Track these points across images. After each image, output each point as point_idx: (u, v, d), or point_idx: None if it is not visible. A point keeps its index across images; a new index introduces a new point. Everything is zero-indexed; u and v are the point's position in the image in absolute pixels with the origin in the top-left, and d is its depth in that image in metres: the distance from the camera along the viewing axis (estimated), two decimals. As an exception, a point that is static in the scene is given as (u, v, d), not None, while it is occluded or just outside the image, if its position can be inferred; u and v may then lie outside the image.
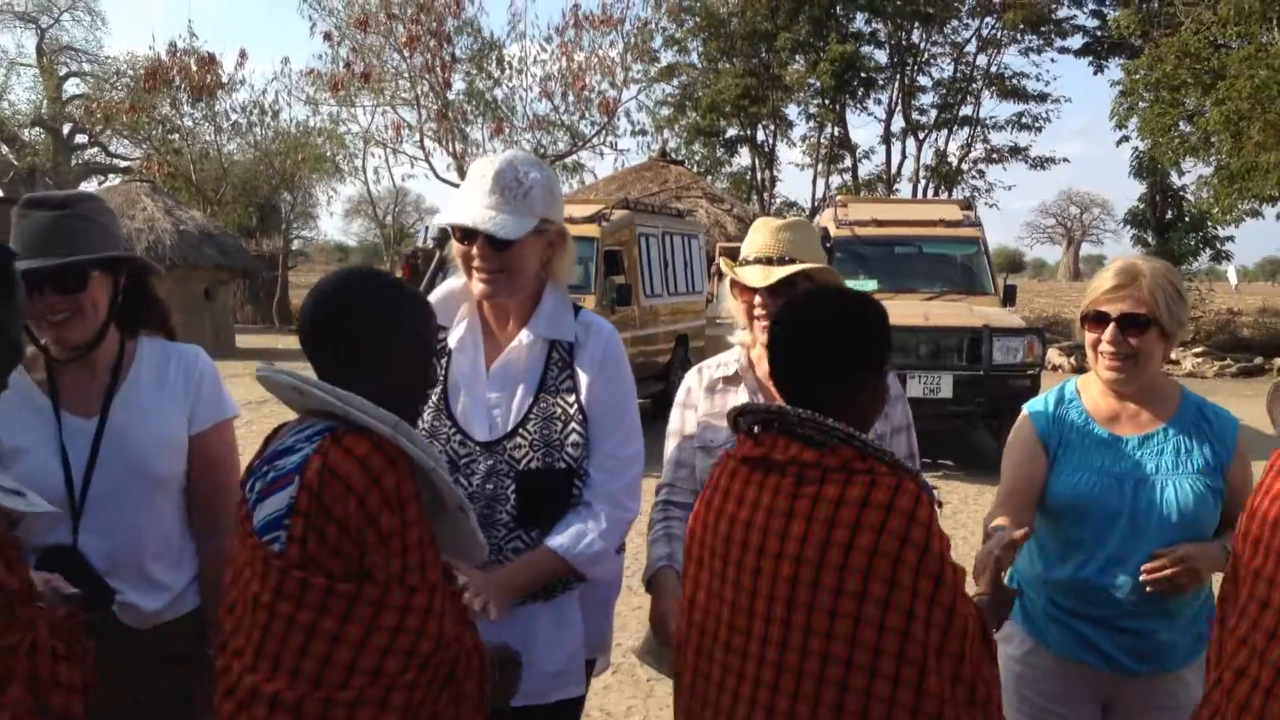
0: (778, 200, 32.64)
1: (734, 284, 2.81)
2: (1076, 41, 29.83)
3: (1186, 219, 26.48)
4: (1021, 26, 28.98)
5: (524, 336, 2.52)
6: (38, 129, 43.20)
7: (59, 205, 2.36)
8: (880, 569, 1.85)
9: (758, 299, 2.72)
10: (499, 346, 2.56)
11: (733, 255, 2.95)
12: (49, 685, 1.72)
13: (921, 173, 31.03)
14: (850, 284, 11.50)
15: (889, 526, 1.86)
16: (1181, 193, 26.56)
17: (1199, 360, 23.15)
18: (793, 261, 2.71)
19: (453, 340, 2.58)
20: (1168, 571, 2.54)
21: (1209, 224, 25.08)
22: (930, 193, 29.88)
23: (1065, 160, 49.87)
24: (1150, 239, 27.49)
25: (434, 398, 2.53)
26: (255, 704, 1.80)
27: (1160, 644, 2.66)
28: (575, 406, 2.50)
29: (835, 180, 31.94)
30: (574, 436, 2.48)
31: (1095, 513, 2.65)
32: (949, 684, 1.86)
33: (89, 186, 34.76)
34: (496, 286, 2.48)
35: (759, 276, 2.70)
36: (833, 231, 12.44)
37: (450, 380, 2.55)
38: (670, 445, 2.87)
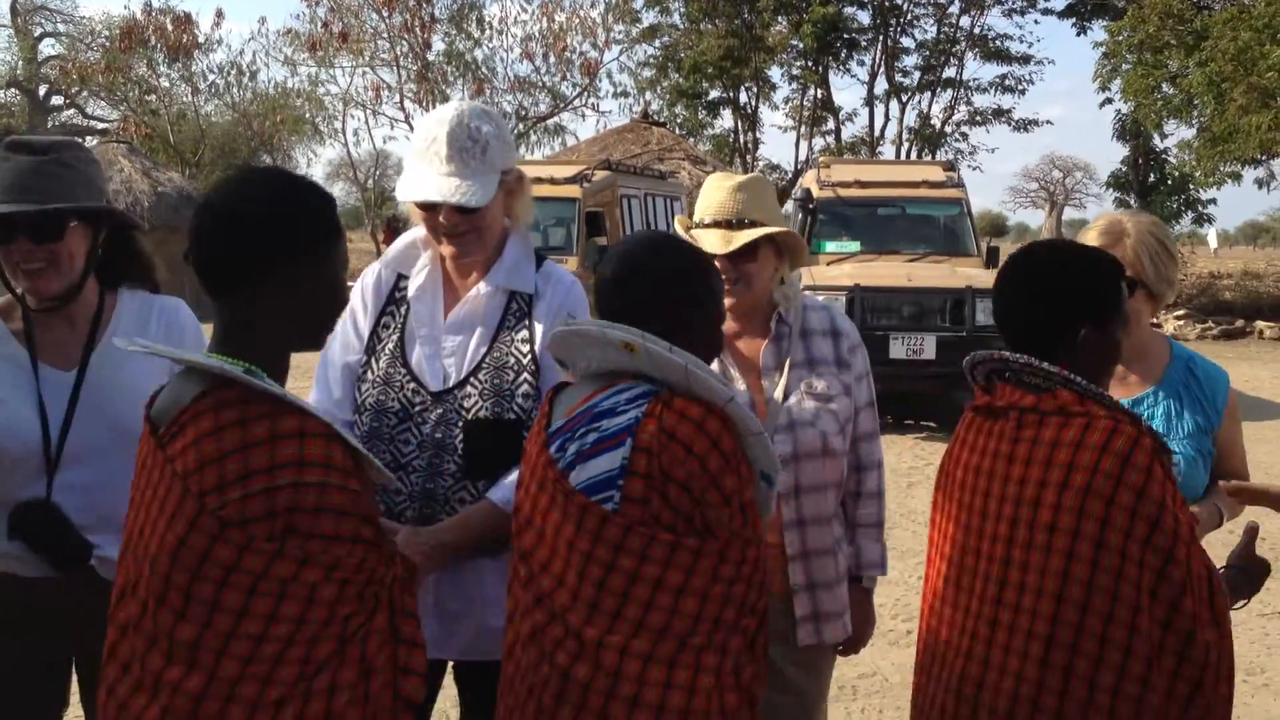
0: (760, 163, 32.48)
1: None
2: (1060, 3, 29.66)
3: (1169, 182, 26.56)
4: (1005, -13, 28.86)
5: (482, 287, 2.49)
6: (12, 90, 42.64)
7: (42, 151, 2.29)
8: (1093, 509, 1.91)
9: (718, 264, 2.62)
10: (458, 297, 2.53)
11: None
12: (402, 615, 1.83)
13: (905, 135, 30.92)
14: (833, 245, 11.47)
15: (1102, 468, 1.90)
16: (1164, 155, 26.62)
17: (1181, 322, 23.25)
18: (753, 224, 2.64)
19: (412, 289, 2.55)
20: None
21: (1191, 187, 25.15)
22: (913, 155, 29.78)
23: (1049, 123, 49.91)
24: (1132, 202, 27.54)
25: (390, 345, 2.50)
26: (601, 654, 1.86)
27: None
28: (529, 356, 2.46)
29: (818, 143, 31.79)
30: (525, 387, 2.43)
31: None
32: (1159, 629, 1.91)
33: (65, 149, 34.24)
34: (468, 247, 2.45)
35: (719, 242, 2.61)
36: (815, 193, 12.40)
37: (407, 329, 2.52)
38: None
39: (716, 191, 2.71)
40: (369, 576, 1.75)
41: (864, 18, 30.92)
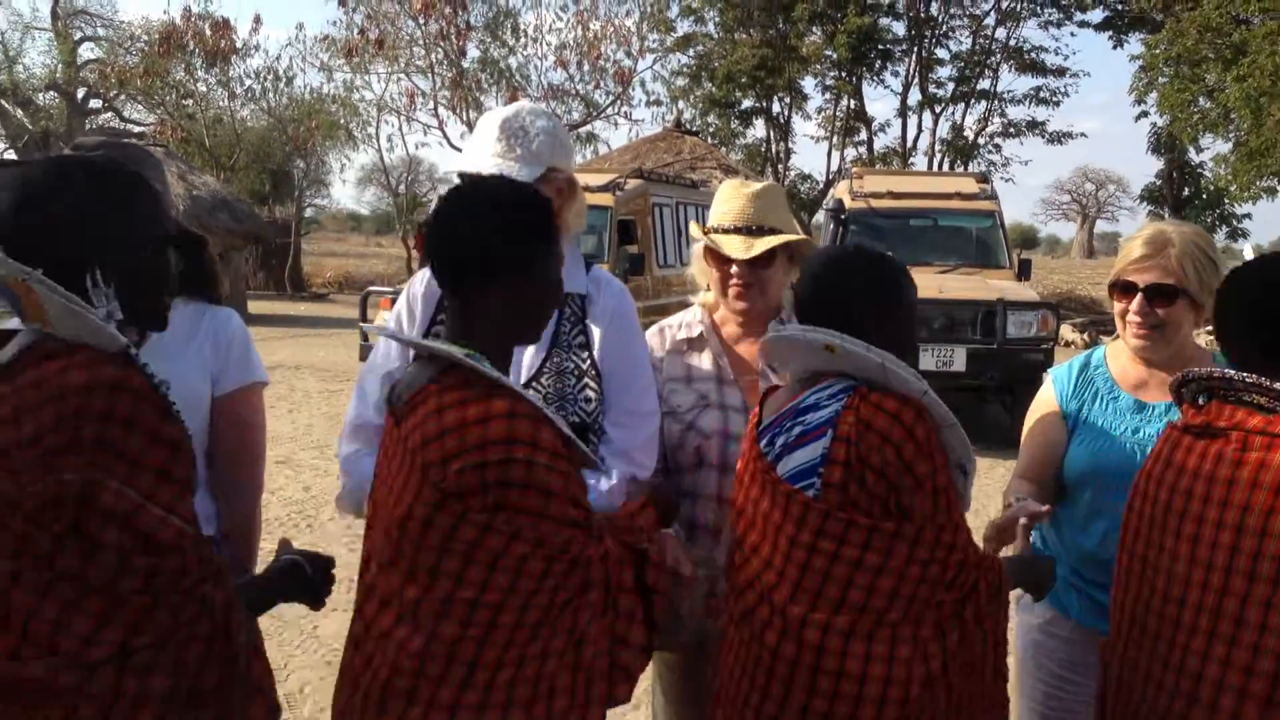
0: (792, 172, 32.47)
1: (708, 251, 2.76)
2: (1097, 15, 29.51)
3: (1203, 196, 26.35)
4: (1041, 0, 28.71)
5: None
6: (52, 93, 43.18)
7: (92, 148, 2.36)
8: None
9: (734, 269, 2.68)
10: None
11: None
12: (617, 590, 1.96)
13: (937, 146, 30.82)
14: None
15: None
16: (1199, 169, 26.40)
17: (1210, 337, 23.05)
18: (772, 231, 2.68)
19: None
20: None
21: (1226, 201, 24.93)
22: (946, 166, 29.67)
23: (1082, 135, 49.29)
24: (1166, 216, 27.34)
25: None
26: (805, 631, 2.00)
27: None
28: (588, 362, 2.49)
29: (850, 153, 31.72)
30: (588, 392, 2.47)
31: (1117, 480, 2.61)
32: None
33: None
34: None
35: (740, 248, 2.66)
36: (848, 203, 12.39)
37: None
38: None
39: (735, 198, 2.75)
40: (575, 554, 1.87)
41: (899, 29, 30.93)
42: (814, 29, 29.56)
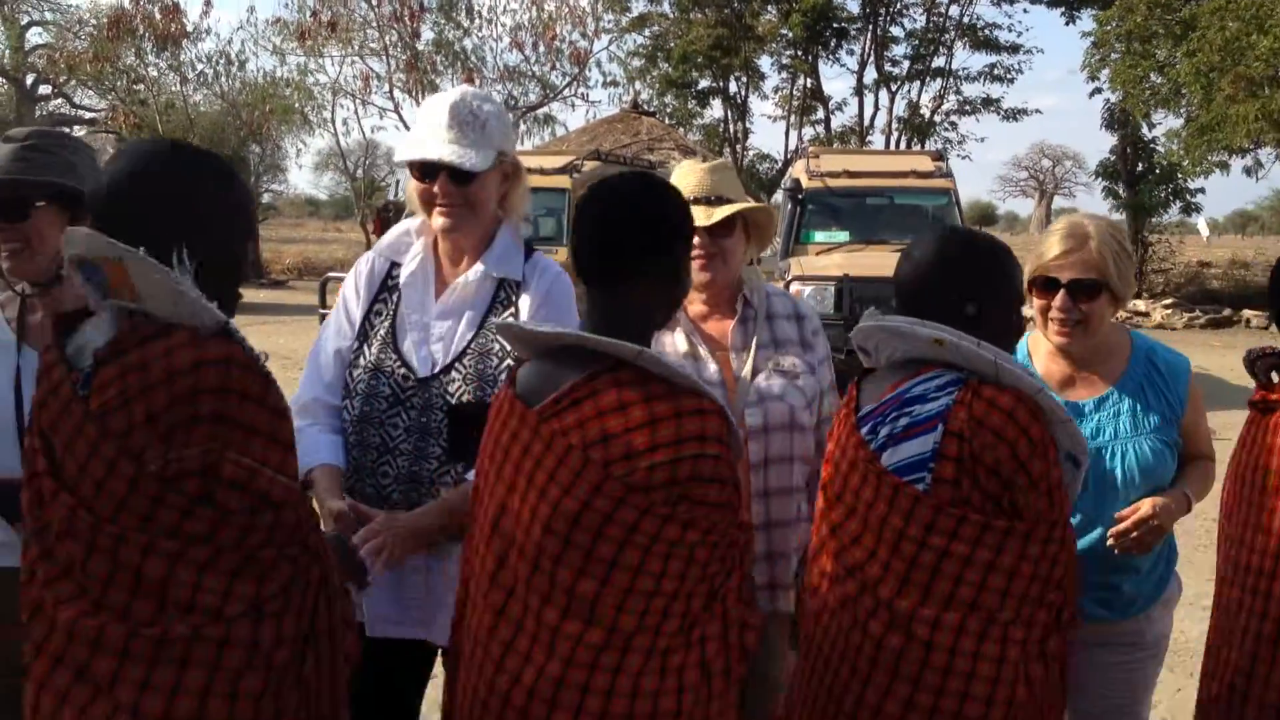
0: (750, 152, 32.49)
1: None
2: (1049, -8, 29.66)
3: (1157, 171, 26.60)
4: (994, -24, 28.84)
5: (472, 273, 2.54)
6: (0, 79, 42.40)
7: (23, 138, 2.36)
8: None
9: (697, 239, 2.72)
10: (449, 284, 2.58)
11: None
12: (746, 575, 2.01)
13: (894, 124, 30.93)
14: (821, 235, 11.50)
15: None
16: (1152, 145, 26.65)
17: (1169, 312, 23.35)
18: (729, 201, 2.75)
19: (404, 276, 2.60)
20: (1135, 534, 2.56)
21: (1179, 176, 25.20)
22: (903, 145, 29.80)
23: (1038, 112, 49.55)
24: (1121, 191, 27.61)
25: (381, 331, 2.55)
26: (913, 625, 2.02)
27: (1125, 595, 2.71)
28: None
29: (808, 132, 31.76)
30: (508, 373, 2.48)
31: None
32: None
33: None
34: (459, 220, 2.50)
35: (701, 217, 2.71)
36: (804, 183, 12.45)
37: (399, 316, 2.57)
38: None
39: (691, 173, 2.83)
40: (731, 539, 1.94)
41: (853, 7, 30.86)
42: (769, 8, 29.53)
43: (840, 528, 2.15)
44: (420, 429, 2.47)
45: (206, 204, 1.86)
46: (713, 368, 2.75)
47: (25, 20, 42.49)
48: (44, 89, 42.30)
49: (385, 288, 2.62)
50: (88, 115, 38.09)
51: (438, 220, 2.51)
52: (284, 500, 1.81)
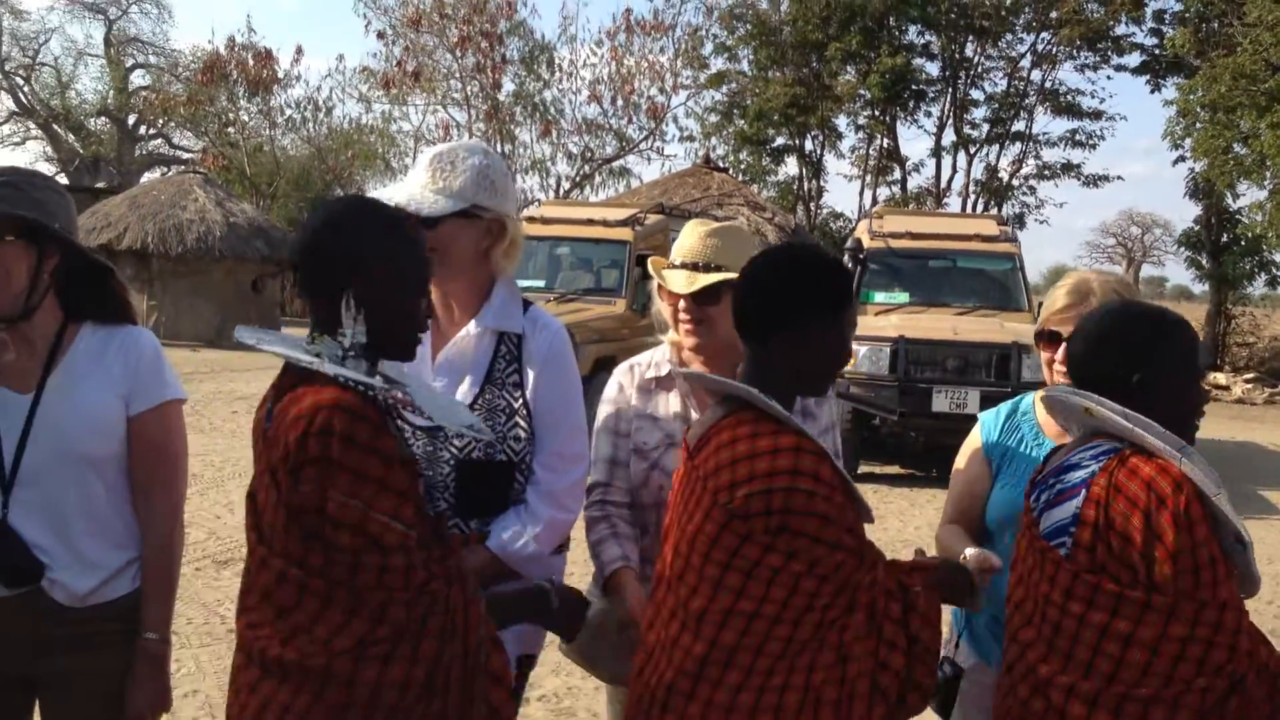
0: (824, 210, 32.45)
1: (660, 286, 2.82)
2: (1134, 59, 29.35)
3: (1242, 243, 26.00)
4: (1078, 43, 28.54)
5: (472, 328, 2.54)
6: (103, 119, 44.08)
7: None
8: None
9: (682, 304, 2.73)
10: (446, 338, 2.58)
11: None
12: (885, 617, 2.07)
13: (971, 187, 30.71)
14: (881, 296, 11.40)
15: None
16: (1237, 216, 26.09)
17: (1249, 386, 22.76)
18: (719, 269, 2.70)
19: None
20: None
21: (1265, 248, 24.62)
22: (980, 208, 29.54)
23: (1119, 178, 48.92)
24: (1205, 262, 27.05)
25: None
26: (1050, 691, 2.05)
27: None
28: (520, 401, 2.51)
29: (884, 192, 31.68)
30: (517, 430, 2.49)
31: None
32: None
33: (151, 177, 35.37)
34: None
35: (683, 282, 2.71)
36: (866, 243, 12.39)
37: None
38: (604, 442, 2.84)
39: (690, 236, 2.80)
40: (846, 577, 2.02)
41: (933, 69, 30.87)
42: (847, 68, 29.61)
43: (1011, 593, 2.23)
44: (425, 483, 2.44)
45: (382, 257, 2.01)
46: None
47: (130, 63, 44.24)
48: (145, 129, 43.87)
49: None
50: (185, 156, 39.35)
51: None
52: (395, 545, 1.88)
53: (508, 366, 2.54)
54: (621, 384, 2.87)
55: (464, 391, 2.51)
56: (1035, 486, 2.22)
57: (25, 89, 44.30)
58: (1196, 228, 27.49)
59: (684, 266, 2.74)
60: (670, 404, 2.80)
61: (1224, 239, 26.75)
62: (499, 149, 27.46)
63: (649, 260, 2.94)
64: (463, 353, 2.54)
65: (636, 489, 2.77)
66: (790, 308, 2.11)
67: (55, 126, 43.61)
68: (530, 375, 2.53)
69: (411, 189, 2.48)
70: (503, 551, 2.44)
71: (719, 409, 2.17)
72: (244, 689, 1.94)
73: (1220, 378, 23.47)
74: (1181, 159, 25.44)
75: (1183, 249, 28.40)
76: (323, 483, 1.84)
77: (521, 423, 2.50)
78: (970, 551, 2.50)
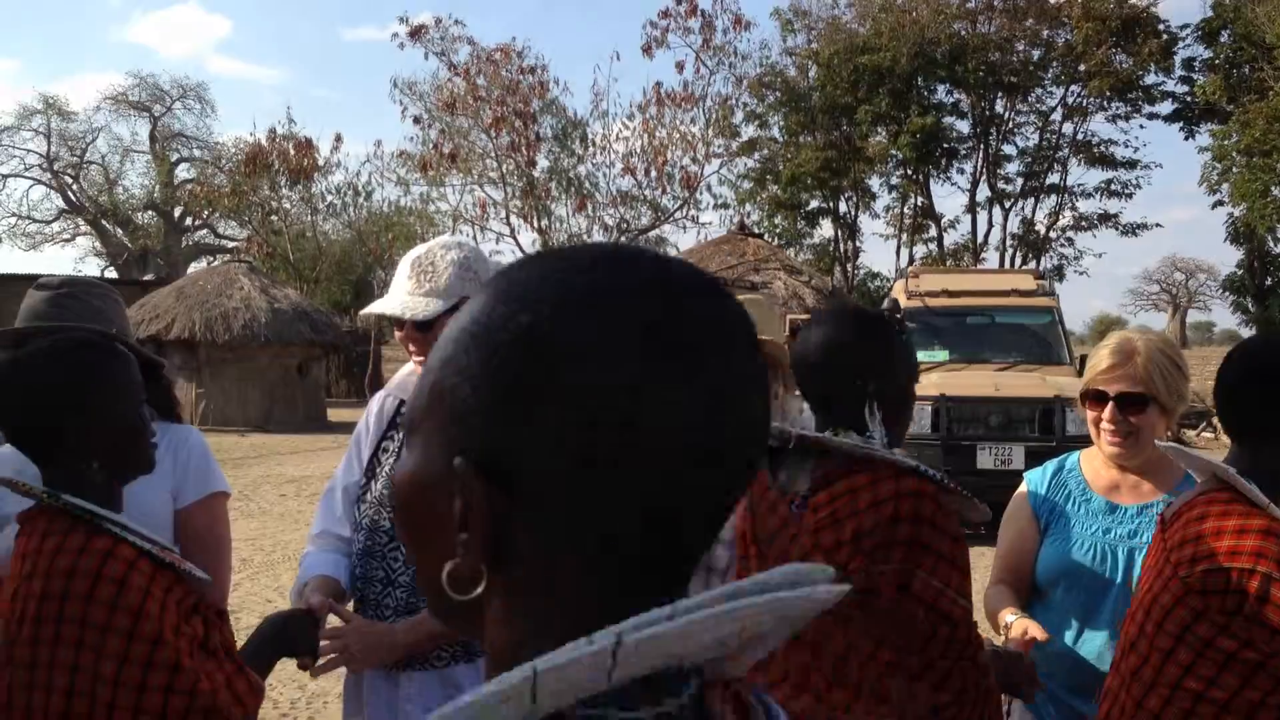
0: (861, 271, 32.54)
1: None
2: (1166, 107, 29.36)
3: (1286, 285, 25.74)
4: (1108, 94, 28.61)
5: None
6: (150, 212, 45.21)
7: (56, 286, 2.52)
8: None
9: None
10: None
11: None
12: None
13: (1008, 241, 30.66)
14: (921, 355, 11.37)
15: None
16: (1280, 258, 25.86)
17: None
18: None
19: None
20: None
21: (1310, 290, 24.35)
22: (1018, 261, 29.46)
23: (1158, 225, 48.45)
24: (1250, 305, 26.76)
25: (388, 468, 2.65)
26: None
27: None
28: None
29: (920, 250, 31.69)
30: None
31: (1088, 580, 2.65)
32: None
33: (198, 267, 36.18)
34: None
35: None
36: (903, 303, 12.37)
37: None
38: None
39: None
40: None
41: (964, 127, 31.02)
42: (878, 129, 29.82)
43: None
44: (367, 526, 2.58)
45: (885, 357, 2.15)
46: None
47: (175, 157, 45.44)
48: (190, 220, 44.91)
49: (394, 425, 2.72)
50: (230, 245, 40.22)
51: (415, 364, 2.67)
52: (960, 619, 2.01)
53: None
54: None
55: None
56: None
57: (74, 187, 45.65)
58: (1239, 272, 27.23)
59: None
60: None
61: (1268, 282, 26.47)
62: (535, 224, 27.82)
63: None
64: None
65: None
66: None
67: (104, 222, 44.80)
68: None
69: (400, 297, 2.55)
70: None
71: (1195, 490, 2.11)
72: None
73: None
74: (1220, 203, 25.29)
75: (1227, 293, 28.12)
76: (910, 563, 1.97)
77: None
78: (1011, 621, 2.53)
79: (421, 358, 2.61)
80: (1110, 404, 2.63)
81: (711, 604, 0.72)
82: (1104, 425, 2.66)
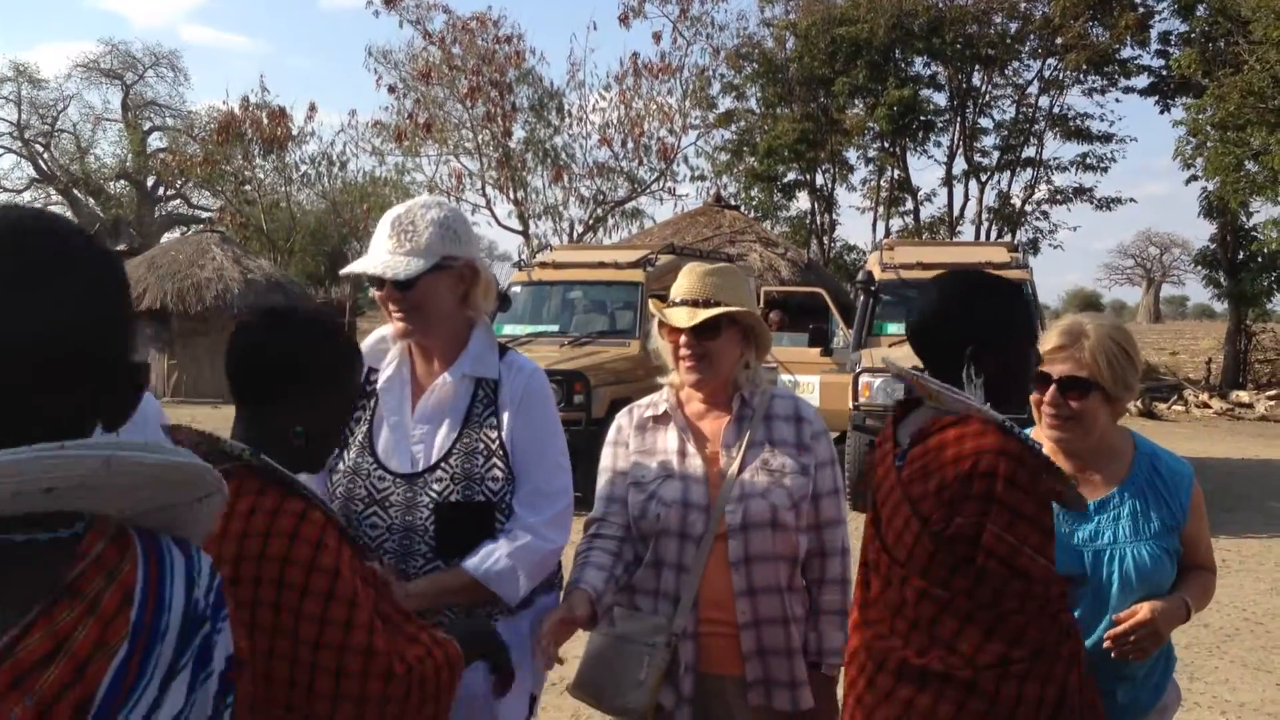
0: (838, 244, 32.55)
1: (661, 325, 2.88)
2: (1142, 81, 29.39)
3: (1259, 259, 25.88)
4: (1084, 67, 28.63)
5: (448, 376, 2.62)
6: (122, 182, 44.73)
7: None
8: None
9: (683, 339, 2.79)
10: (424, 388, 2.65)
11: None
12: None
13: (984, 215, 30.72)
14: (894, 327, 11.40)
15: None
16: (1252, 232, 25.99)
17: (1272, 403, 22.57)
18: (718, 304, 2.79)
19: (381, 381, 2.68)
20: (1132, 638, 2.51)
21: (1281, 264, 24.52)
22: (994, 235, 29.54)
23: (1132, 200, 48.65)
24: (1222, 280, 26.93)
25: (359, 436, 2.63)
26: None
27: (1119, 705, 2.62)
28: (497, 442, 2.57)
29: (896, 223, 31.73)
30: (495, 471, 2.55)
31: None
32: None
33: (171, 237, 35.85)
34: (411, 323, 2.58)
35: (684, 317, 2.78)
36: (877, 275, 12.42)
37: (375, 419, 2.65)
38: (602, 481, 2.93)
39: (689, 276, 2.89)
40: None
41: (941, 99, 30.99)
42: (855, 102, 29.78)
43: None
44: (404, 527, 2.54)
45: (1001, 323, 2.27)
46: (697, 464, 2.80)
47: (147, 126, 44.92)
48: (163, 190, 44.46)
49: (363, 394, 2.69)
50: (204, 215, 39.86)
51: (394, 325, 2.62)
52: (1039, 577, 2.06)
53: (485, 410, 2.61)
54: (621, 425, 2.96)
55: (443, 435, 2.58)
56: None
57: (45, 155, 45.09)
58: (1212, 246, 27.38)
59: (684, 304, 2.81)
60: (667, 438, 2.87)
61: (1240, 256, 26.63)
62: (512, 195, 27.71)
63: (650, 301, 3.01)
64: (440, 400, 2.61)
65: (636, 520, 2.82)
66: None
67: (75, 191, 44.29)
68: (506, 417, 2.59)
69: (380, 256, 2.54)
70: (475, 570, 2.48)
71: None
72: (877, 693, 2.15)
73: (1243, 395, 23.29)
74: (1194, 178, 25.39)
75: (1199, 267, 28.28)
76: (983, 517, 2.04)
77: (499, 463, 2.55)
78: None
79: (402, 317, 2.58)
80: (1052, 387, 2.59)
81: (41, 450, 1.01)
82: (1045, 408, 2.62)
